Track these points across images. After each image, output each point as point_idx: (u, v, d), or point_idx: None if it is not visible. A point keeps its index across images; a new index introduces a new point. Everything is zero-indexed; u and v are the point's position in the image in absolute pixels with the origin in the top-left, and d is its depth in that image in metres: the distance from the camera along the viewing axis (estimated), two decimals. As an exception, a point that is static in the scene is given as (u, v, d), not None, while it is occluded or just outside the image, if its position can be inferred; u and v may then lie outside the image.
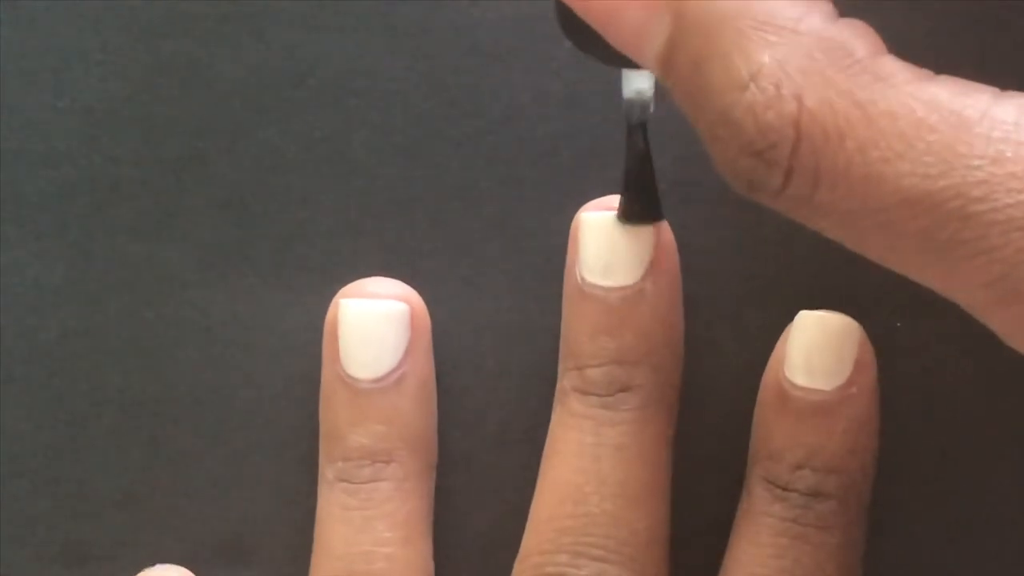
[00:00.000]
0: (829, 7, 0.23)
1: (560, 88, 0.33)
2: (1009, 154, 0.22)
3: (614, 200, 0.32)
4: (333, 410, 0.32)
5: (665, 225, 0.32)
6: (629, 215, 0.31)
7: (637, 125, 0.30)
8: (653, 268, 0.31)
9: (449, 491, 0.33)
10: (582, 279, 0.32)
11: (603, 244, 0.31)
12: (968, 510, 0.32)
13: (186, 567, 0.33)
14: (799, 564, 0.30)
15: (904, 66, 0.23)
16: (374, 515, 0.32)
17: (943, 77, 0.23)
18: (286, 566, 0.33)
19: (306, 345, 0.33)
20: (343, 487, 0.32)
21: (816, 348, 0.31)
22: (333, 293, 0.33)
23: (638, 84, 0.30)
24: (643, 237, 0.31)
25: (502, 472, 0.33)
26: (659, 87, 0.29)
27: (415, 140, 0.33)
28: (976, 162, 0.22)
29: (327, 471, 0.32)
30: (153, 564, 0.33)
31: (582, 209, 0.32)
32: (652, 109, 0.30)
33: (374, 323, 0.32)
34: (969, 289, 0.23)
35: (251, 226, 0.34)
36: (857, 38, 0.23)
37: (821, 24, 0.23)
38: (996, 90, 0.23)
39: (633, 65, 0.26)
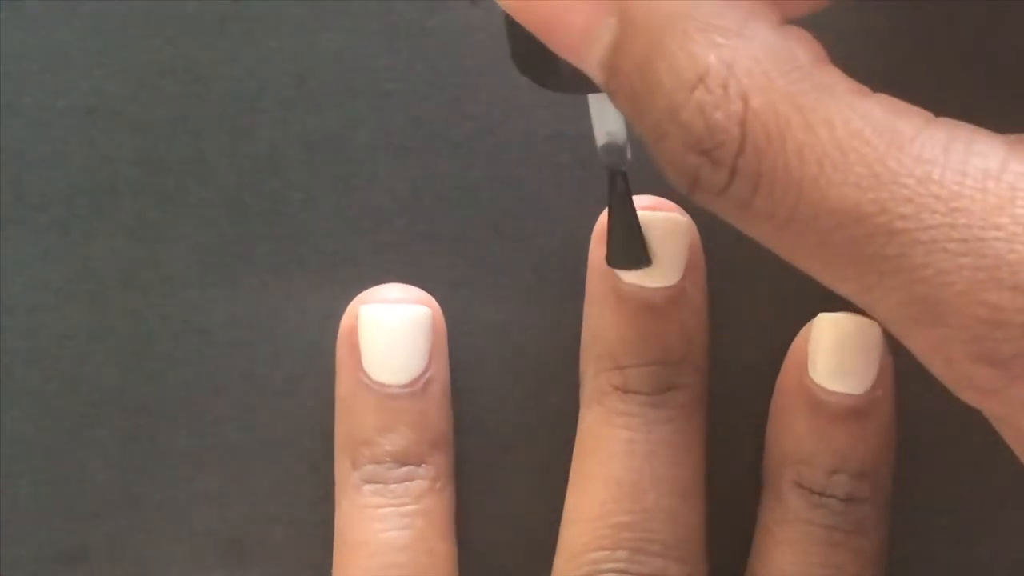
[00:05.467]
0: (773, 14, 0.23)
1: (560, 88, 0.33)
2: (936, 176, 0.22)
3: (640, 199, 0.31)
4: (358, 416, 0.32)
5: (693, 224, 0.32)
6: (615, 262, 0.31)
7: (617, 172, 0.30)
8: (689, 267, 0.32)
9: (457, 492, 0.33)
10: (619, 279, 0.32)
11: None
12: (968, 510, 0.32)
13: (186, 568, 0.33)
14: (840, 570, 0.31)
15: (844, 78, 0.23)
16: (412, 511, 0.32)
17: (880, 95, 0.23)
18: (287, 567, 0.33)
19: (306, 345, 0.33)
20: (374, 488, 0.32)
21: (843, 351, 0.31)
22: (333, 293, 0.33)
23: (609, 126, 0.29)
24: (680, 235, 0.32)
25: (503, 472, 0.33)
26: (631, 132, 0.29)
27: (415, 140, 0.33)
28: (905, 179, 0.22)
29: (351, 476, 0.32)
30: (153, 565, 0.33)
31: None
32: (629, 155, 0.30)
33: (400, 329, 0.32)
34: (891, 306, 0.23)
35: (251, 226, 0.34)
36: (800, 45, 0.23)
37: (766, 29, 0.23)
38: (929, 114, 0.23)
39: (591, 89, 0.26)
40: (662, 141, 0.23)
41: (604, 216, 0.32)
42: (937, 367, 0.23)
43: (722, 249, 0.33)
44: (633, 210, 0.30)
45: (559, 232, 0.33)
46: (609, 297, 0.32)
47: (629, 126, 0.29)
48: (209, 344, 0.34)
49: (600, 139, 0.30)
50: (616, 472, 0.31)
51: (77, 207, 0.34)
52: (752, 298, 0.33)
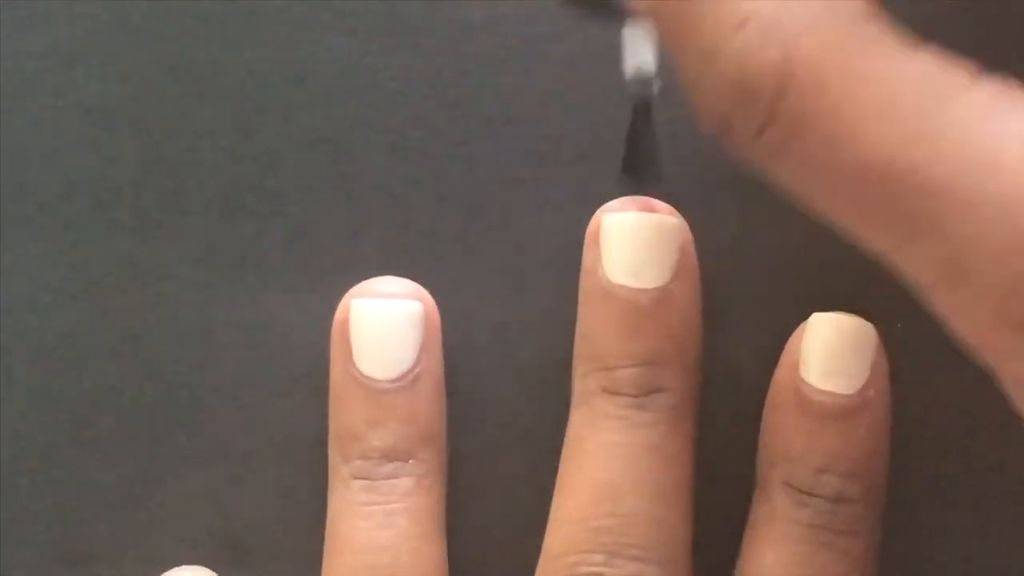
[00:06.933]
0: None
1: (560, 88, 0.33)
2: (976, 138, 0.22)
3: (636, 200, 0.31)
4: (348, 410, 0.32)
5: (686, 226, 0.32)
6: (628, 171, 0.30)
7: (643, 107, 0.29)
8: (679, 269, 0.31)
9: (450, 490, 0.33)
10: (608, 280, 0.31)
11: (633, 245, 0.31)
12: (968, 511, 0.32)
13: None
14: (824, 571, 0.30)
15: (893, 30, 0.23)
16: (396, 509, 0.32)
17: (927, 49, 0.23)
18: (287, 567, 0.33)
19: (307, 345, 0.33)
20: (362, 484, 0.32)
21: (835, 351, 0.31)
22: (333, 293, 0.33)
23: (639, 59, 0.29)
24: (670, 238, 0.31)
25: (501, 471, 0.33)
26: (661, 66, 0.29)
27: (415, 140, 0.34)
28: (945, 139, 0.22)
29: (342, 470, 0.32)
30: (153, 565, 0.33)
31: (602, 210, 0.32)
32: (657, 89, 0.29)
33: (391, 323, 0.32)
34: (919, 264, 0.23)
35: (251, 226, 0.34)
36: None
37: None
38: (976, 71, 0.23)
39: (623, 15, 0.25)
40: (699, 80, 0.23)
41: (596, 217, 0.32)
42: (958, 327, 0.23)
43: (719, 250, 0.33)
44: (654, 133, 0.30)
45: (559, 232, 0.33)
46: (598, 297, 0.32)
47: (661, 59, 0.28)
48: (209, 344, 0.34)
49: (629, 70, 0.29)
50: (596, 475, 0.31)
51: (77, 207, 0.34)
52: (749, 299, 0.33)
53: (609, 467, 0.31)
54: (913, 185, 0.22)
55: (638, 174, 0.30)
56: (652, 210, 0.32)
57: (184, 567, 0.33)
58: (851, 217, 0.23)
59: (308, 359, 0.33)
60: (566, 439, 0.32)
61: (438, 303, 0.33)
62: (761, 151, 0.23)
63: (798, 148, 0.23)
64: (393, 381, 0.32)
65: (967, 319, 0.23)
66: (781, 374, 0.32)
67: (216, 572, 0.33)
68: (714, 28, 0.23)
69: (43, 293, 0.34)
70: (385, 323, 0.32)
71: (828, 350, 0.31)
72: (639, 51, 0.29)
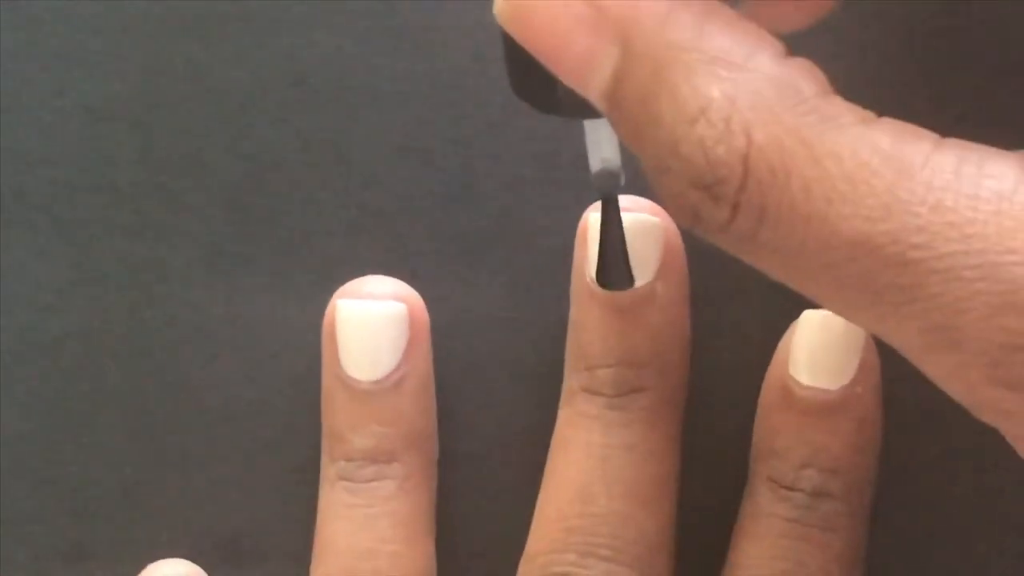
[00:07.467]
0: (779, 46, 0.23)
1: (560, 88, 0.33)
2: (948, 203, 0.22)
3: (622, 200, 0.31)
4: (334, 411, 0.32)
5: (672, 225, 0.32)
6: (605, 283, 0.30)
7: (609, 199, 0.30)
8: (663, 269, 0.31)
9: (449, 490, 0.33)
10: (591, 280, 0.31)
11: None
12: (968, 510, 0.32)
13: (186, 567, 0.34)
14: (803, 565, 0.30)
15: (850, 107, 0.23)
16: (377, 513, 0.32)
17: (886, 120, 0.23)
18: (286, 565, 0.33)
19: (306, 344, 0.33)
20: (345, 485, 0.32)
21: (821, 347, 0.31)
22: (333, 293, 0.33)
23: (604, 152, 0.29)
24: (654, 238, 0.31)
25: (502, 471, 0.33)
26: (625, 156, 0.29)
27: (415, 140, 0.34)
28: (916, 209, 0.22)
29: (329, 470, 0.32)
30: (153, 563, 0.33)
31: (590, 209, 0.32)
32: (623, 182, 0.29)
33: (372, 325, 0.32)
34: (906, 334, 0.23)
35: (251, 226, 0.34)
36: (805, 77, 0.23)
37: (770, 62, 0.23)
38: (937, 136, 0.23)
39: (589, 115, 0.26)
40: (663, 175, 0.23)
41: (584, 217, 0.32)
42: (955, 391, 0.23)
43: (713, 249, 0.33)
44: (622, 235, 0.30)
45: (559, 232, 0.33)
46: (583, 297, 0.32)
47: (624, 152, 0.29)
48: (209, 344, 0.34)
49: (595, 165, 0.29)
50: (573, 474, 0.31)
51: (77, 207, 0.34)
52: (743, 297, 0.33)
53: (583, 467, 0.31)
54: (891, 257, 0.22)
55: (611, 278, 0.30)
56: (634, 209, 0.31)
57: (166, 560, 0.33)
58: (832, 296, 0.23)
59: (307, 359, 0.33)
60: (552, 438, 0.32)
61: (437, 303, 0.33)
62: (732, 241, 0.23)
63: (768, 234, 0.23)
64: (375, 383, 0.32)
65: (962, 383, 0.23)
66: (772, 372, 0.32)
67: (214, 571, 0.33)
68: (674, 118, 0.22)
69: (43, 293, 0.34)
70: (368, 325, 0.32)
71: (816, 347, 0.31)
72: (602, 145, 0.29)
